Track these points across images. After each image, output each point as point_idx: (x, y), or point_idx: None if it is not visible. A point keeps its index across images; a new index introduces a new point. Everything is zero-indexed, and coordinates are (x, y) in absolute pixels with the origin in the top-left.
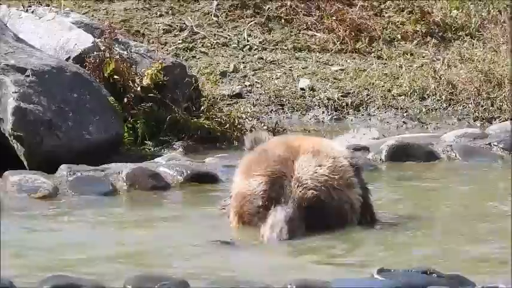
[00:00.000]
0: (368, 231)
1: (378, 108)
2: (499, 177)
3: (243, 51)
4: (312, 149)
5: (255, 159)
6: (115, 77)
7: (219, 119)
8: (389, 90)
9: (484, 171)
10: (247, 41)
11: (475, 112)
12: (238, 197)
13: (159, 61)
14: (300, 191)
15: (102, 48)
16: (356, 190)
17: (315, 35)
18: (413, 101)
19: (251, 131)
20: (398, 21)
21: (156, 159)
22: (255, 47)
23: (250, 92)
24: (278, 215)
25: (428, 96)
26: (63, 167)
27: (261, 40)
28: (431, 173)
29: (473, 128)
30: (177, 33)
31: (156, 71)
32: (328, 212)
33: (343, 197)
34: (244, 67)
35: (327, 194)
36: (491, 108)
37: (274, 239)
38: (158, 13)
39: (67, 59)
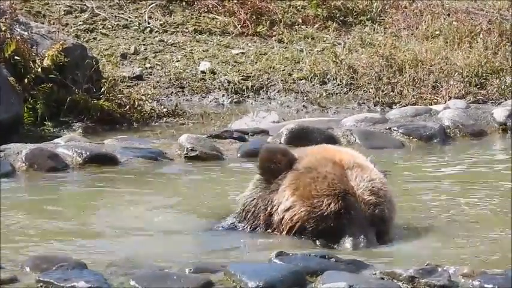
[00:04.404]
0: None
1: (278, 91)
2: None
3: (143, 33)
4: (354, 163)
5: (309, 179)
6: (16, 57)
7: (119, 101)
8: (289, 74)
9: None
10: (148, 23)
11: (375, 97)
12: (301, 217)
13: (60, 42)
14: (369, 209)
15: (3, 29)
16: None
17: (216, 18)
18: (313, 85)
19: (151, 112)
20: (299, 5)
21: (55, 140)
22: (156, 29)
23: (151, 74)
24: (358, 234)
25: (329, 81)
26: None
27: (161, 22)
28: None
29: (374, 113)
30: (78, 14)
31: (56, 52)
32: (389, 224)
33: (393, 208)
34: (145, 49)
35: (388, 207)
36: (391, 93)
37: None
38: None
39: None
